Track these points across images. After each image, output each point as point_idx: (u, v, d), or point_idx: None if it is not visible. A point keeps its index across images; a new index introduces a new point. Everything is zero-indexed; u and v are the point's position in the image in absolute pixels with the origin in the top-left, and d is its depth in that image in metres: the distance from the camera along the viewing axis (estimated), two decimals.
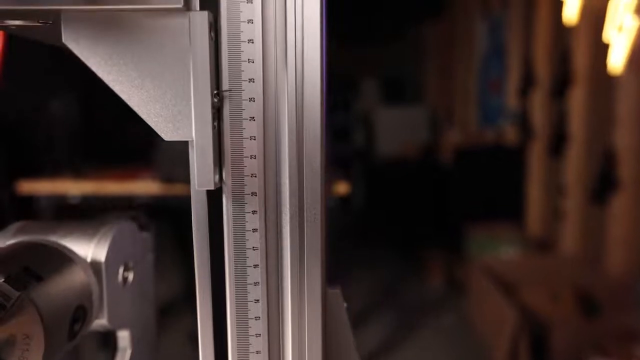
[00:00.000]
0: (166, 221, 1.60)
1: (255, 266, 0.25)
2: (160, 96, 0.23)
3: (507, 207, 2.25)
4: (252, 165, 0.24)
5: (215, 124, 0.24)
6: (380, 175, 2.97)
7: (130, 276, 0.35)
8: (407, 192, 2.69)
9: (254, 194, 0.24)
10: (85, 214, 1.81)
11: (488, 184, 2.28)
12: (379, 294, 2.25)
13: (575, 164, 1.89)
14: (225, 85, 0.24)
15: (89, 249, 0.31)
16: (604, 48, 1.67)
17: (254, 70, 0.24)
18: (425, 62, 3.91)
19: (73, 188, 1.62)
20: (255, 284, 0.25)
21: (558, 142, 1.98)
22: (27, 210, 1.59)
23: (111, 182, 1.64)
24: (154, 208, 1.62)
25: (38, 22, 0.24)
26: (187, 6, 0.23)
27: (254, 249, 0.25)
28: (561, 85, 1.97)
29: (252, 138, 0.24)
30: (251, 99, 0.24)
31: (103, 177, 1.67)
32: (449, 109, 3.40)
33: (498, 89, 2.63)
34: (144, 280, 0.38)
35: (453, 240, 2.30)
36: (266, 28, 0.24)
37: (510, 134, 2.44)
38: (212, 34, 0.23)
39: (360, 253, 2.62)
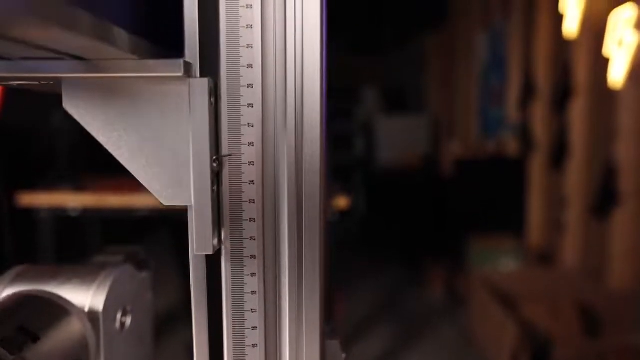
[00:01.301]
0: (167, 234, 1.60)
1: (254, 328, 0.25)
2: (159, 162, 0.23)
3: (508, 218, 2.24)
4: (251, 228, 0.24)
5: (215, 188, 0.24)
6: (381, 185, 2.97)
7: (128, 320, 0.35)
8: (407, 203, 2.68)
9: (253, 256, 0.24)
10: (85, 228, 1.81)
11: (489, 195, 2.27)
12: (379, 304, 2.25)
13: (576, 177, 1.89)
14: (225, 150, 0.24)
15: (87, 298, 0.31)
16: (605, 61, 1.67)
17: (254, 134, 0.24)
18: (426, 72, 3.92)
19: (73, 200, 1.62)
20: (254, 345, 0.25)
21: (559, 154, 1.98)
22: (27, 223, 1.59)
23: (112, 194, 1.64)
24: (154, 221, 1.62)
25: (39, 83, 0.24)
26: (188, 73, 0.23)
27: (252, 311, 0.25)
28: (562, 97, 1.98)
29: (252, 201, 0.24)
30: (251, 163, 0.24)
31: (104, 189, 1.67)
32: (450, 119, 3.40)
33: (499, 99, 2.63)
34: (142, 322, 0.38)
35: (453, 251, 2.29)
36: (266, 93, 0.24)
37: (511, 145, 2.44)
38: (212, 100, 0.23)
39: (361, 263, 2.61)
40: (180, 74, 0.22)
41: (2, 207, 1.68)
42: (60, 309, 0.30)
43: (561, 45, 1.98)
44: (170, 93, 0.23)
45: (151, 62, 0.22)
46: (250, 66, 0.23)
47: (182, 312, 1.72)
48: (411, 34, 3.75)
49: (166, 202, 0.23)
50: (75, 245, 1.75)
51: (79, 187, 1.66)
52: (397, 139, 3.45)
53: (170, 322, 1.72)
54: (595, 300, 1.63)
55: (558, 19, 1.96)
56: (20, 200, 1.60)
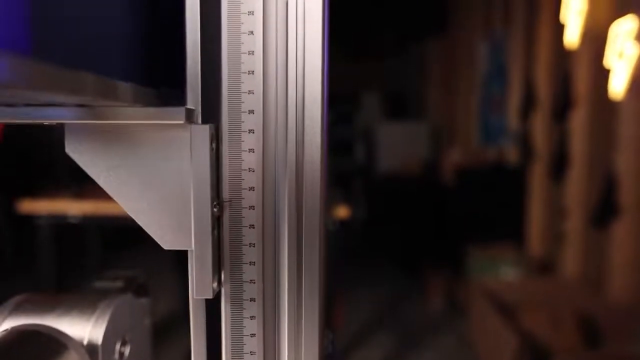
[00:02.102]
0: None
1: None
2: (160, 206, 0.23)
3: (508, 227, 2.24)
4: (251, 272, 0.24)
5: (215, 232, 0.24)
6: (381, 192, 2.97)
7: (127, 350, 0.35)
8: (407, 210, 2.68)
9: (252, 299, 0.24)
10: (85, 235, 1.80)
11: (489, 204, 2.27)
12: (378, 313, 2.24)
13: (576, 187, 1.89)
14: (225, 193, 0.24)
15: (86, 330, 0.31)
16: (605, 72, 1.68)
17: (255, 178, 0.24)
18: (427, 78, 3.92)
19: (73, 208, 1.62)
20: None
21: (559, 165, 1.98)
22: (27, 230, 1.59)
23: (112, 201, 1.64)
24: None
25: (43, 124, 0.24)
26: (189, 120, 0.23)
27: (251, 353, 0.25)
28: (562, 107, 1.98)
29: (252, 245, 0.24)
30: (251, 207, 0.24)
31: (104, 196, 1.68)
32: (450, 126, 3.40)
33: (499, 107, 2.63)
34: (140, 349, 0.37)
35: (453, 259, 2.29)
36: (267, 138, 0.24)
37: (511, 153, 2.44)
38: (213, 145, 0.23)
39: (360, 270, 2.61)
40: (182, 122, 0.22)
41: (2, 214, 1.68)
42: (58, 344, 0.30)
43: (562, 55, 1.99)
44: (172, 139, 0.23)
45: (153, 110, 0.22)
46: (251, 112, 0.23)
47: (182, 320, 1.72)
48: (412, 40, 3.76)
49: (166, 247, 0.24)
50: (75, 252, 1.75)
51: (79, 194, 1.67)
52: (397, 146, 3.45)
53: (170, 331, 1.72)
54: (595, 311, 1.62)
55: (559, 29, 1.96)
56: (20, 207, 1.60)
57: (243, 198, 0.24)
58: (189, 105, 0.23)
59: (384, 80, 4.01)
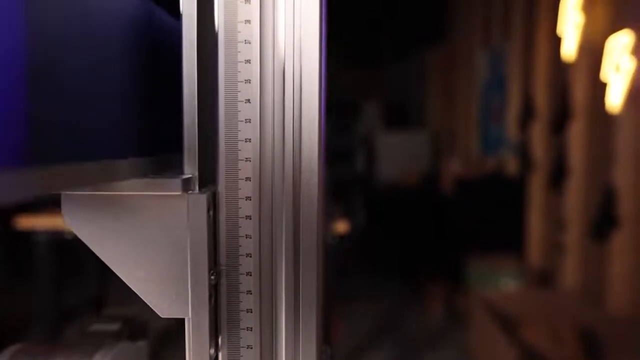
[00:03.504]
0: None
1: None
2: (157, 275, 0.23)
3: (508, 238, 2.24)
4: (248, 337, 0.24)
5: (212, 300, 0.24)
6: (381, 202, 2.97)
7: None
8: (407, 220, 2.68)
9: None
10: (81, 252, 1.80)
11: (488, 214, 2.27)
12: (378, 324, 2.23)
13: (575, 199, 1.89)
14: (222, 261, 0.24)
15: None
16: (602, 85, 1.68)
17: (252, 245, 0.24)
18: (427, 88, 3.93)
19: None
20: None
21: (558, 176, 1.99)
22: (23, 246, 1.59)
23: None
24: None
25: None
26: (186, 189, 0.23)
27: None
28: (560, 119, 1.98)
29: (249, 311, 0.24)
30: (248, 274, 0.24)
31: None
32: (450, 135, 3.41)
33: (499, 117, 2.64)
34: None
35: (453, 270, 2.28)
36: (264, 205, 0.24)
37: (511, 164, 2.45)
38: (211, 212, 0.23)
39: (359, 282, 2.60)
40: (178, 193, 0.22)
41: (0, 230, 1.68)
42: None
43: (560, 67, 1.99)
44: (169, 207, 0.23)
45: (150, 181, 0.22)
46: (248, 179, 0.23)
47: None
48: (412, 49, 3.78)
49: (163, 315, 0.23)
50: (71, 269, 1.74)
51: None
52: (397, 155, 3.45)
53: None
54: (595, 323, 1.62)
55: (557, 41, 1.97)
56: (17, 223, 1.60)
57: (240, 264, 0.24)
58: (187, 170, 0.23)
59: (383, 90, 4.02)
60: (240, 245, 0.24)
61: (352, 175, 3.52)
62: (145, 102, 0.23)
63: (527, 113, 2.22)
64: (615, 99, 1.64)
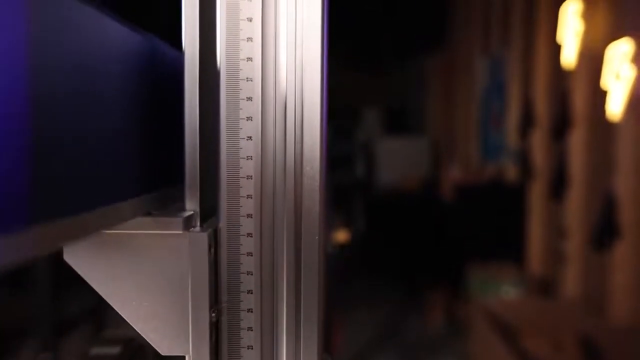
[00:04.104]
0: None
1: None
2: (158, 313, 0.23)
3: (508, 246, 2.24)
4: None
5: (213, 337, 0.24)
6: (381, 208, 2.97)
7: None
8: (407, 227, 2.67)
9: None
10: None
11: (489, 222, 2.27)
12: (378, 332, 2.23)
13: (575, 207, 1.89)
14: (223, 298, 0.24)
15: None
16: (603, 92, 1.68)
17: (253, 281, 0.24)
18: (428, 93, 3.94)
19: None
20: None
21: (558, 184, 1.98)
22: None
23: None
24: None
25: None
26: (187, 227, 0.23)
27: None
28: (560, 127, 1.98)
29: (250, 347, 0.24)
30: (249, 310, 0.24)
31: None
32: (450, 141, 3.41)
33: (499, 123, 2.64)
34: None
35: (454, 278, 2.28)
36: (265, 241, 0.24)
37: (511, 171, 2.44)
38: (212, 251, 0.23)
39: (360, 289, 2.59)
40: (179, 232, 0.22)
41: None
42: None
43: (560, 74, 2.00)
44: (170, 245, 0.23)
45: (152, 220, 0.22)
46: (249, 216, 0.23)
47: None
48: (412, 55, 3.78)
49: (164, 352, 0.23)
50: (72, 289, 1.73)
51: None
52: (397, 161, 3.45)
53: None
54: (596, 333, 1.61)
55: (556, 49, 1.98)
56: None
57: (241, 301, 0.24)
58: (188, 206, 0.23)
59: (384, 95, 4.03)
60: (242, 282, 0.24)
61: (351, 182, 3.52)
62: (147, 139, 0.23)
63: (527, 120, 2.22)
64: (615, 107, 1.64)
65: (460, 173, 2.84)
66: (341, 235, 1.56)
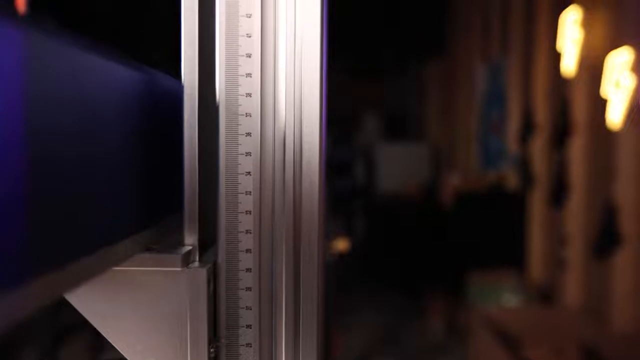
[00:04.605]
0: None
1: None
2: (156, 349, 0.23)
3: (509, 253, 2.23)
4: None
5: None
6: (381, 215, 2.96)
7: None
8: (407, 234, 2.67)
9: None
10: None
11: (489, 229, 2.27)
12: (378, 339, 2.22)
13: (576, 215, 1.88)
14: (222, 333, 0.24)
15: None
16: (603, 101, 1.68)
17: (252, 316, 0.24)
18: (427, 100, 3.94)
19: None
20: None
21: (559, 192, 1.98)
22: None
23: None
24: None
25: None
26: (186, 263, 0.23)
27: None
28: (561, 135, 1.98)
29: None
30: (248, 345, 0.24)
31: None
32: (450, 148, 3.41)
33: (499, 131, 2.64)
34: None
35: (454, 285, 2.27)
36: (263, 277, 0.24)
37: (511, 178, 2.44)
38: (211, 287, 0.23)
39: (359, 297, 2.58)
40: (178, 269, 0.22)
41: None
42: None
43: (560, 82, 2.00)
44: (169, 281, 0.23)
45: (150, 256, 0.22)
46: (248, 251, 0.23)
47: None
48: (412, 62, 3.79)
49: None
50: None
51: None
52: (397, 167, 3.45)
53: None
54: (598, 341, 1.61)
55: (556, 56, 1.98)
56: None
57: (240, 335, 0.24)
58: (187, 240, 0.23)
59: (383, 102, 4.04)
60: (241, 317, 0.24)
61: (350, 189, 3.51)
62: (147, 173, 0.23)
63: (527, 127, 2.23)
64: (615, 116, 1.64)
65: (460, 180, 2.83)
66: (341, 244, 1.56)
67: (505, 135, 2.54)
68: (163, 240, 0.24)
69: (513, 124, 2.43)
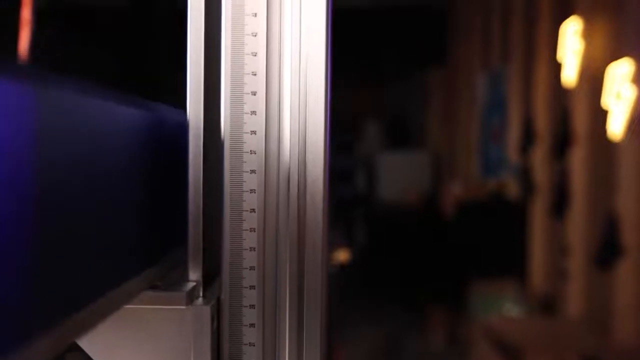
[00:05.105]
0: None
1: None
2: None
3: (510, 263, 2.23)
4: None
5: None
6: (382, 224, 2.96)
7: None
8: (408, 244, 2.67)
9: None
10: None
11: (490, 239, 2.26)
12: (380, 350, 2.21)
13: (577, 225, 1.88)
14: None
15: None
16: (604, 111, 1.69)
17: (255, 353, 0.24)
18: (429, 108, 3.95)
19: None
20: None
21: (560, 202, 1.98)
22: None
23: None
24: None
25: None
26: (190, 300, 0.23)
27: None
28: (561, 145, 1.99)
29: None
30: None
31: None
32: (451, 156, 3.41)
33: (500, 139, 2.65)
34: None
35: (455, 296, 2.26)
36: (267, 313, 0.24)
37: (512, 187, 2.44)
38: (215, 324, 0.23)
39: (360, 307, 2.58)
40: (182, 307, 0.22)
41: None
42: None
43: (560, 92, 2.00)
44: (173, 319, 0.23)
45: (154, 295, 0.22)
46: (252, 287, 0.24)
47: None
48: (413, 70, 3.80)
49: None
50: None
51: None
52: (398, 176, 3.45)
53: None
54: (599, 353, 1.60)
55: (557, 66, 1.98)
56: None
57: None
58: (191, 276, 0.24)
59: (385, 110, 4.05)
60: (244, 354, 0.24)
61: (351, 197, 3.51)
62: (151, 211, 0.23)
63: (528, 137, 2.23)
64: (616, 127, 1.64)
65: (461, 189, 2.83)
66: (342, 255, 1.56)
67: (506, 144, 2.54)
68: (167, 276, 0.24)
69: (513, 133, 2.43)
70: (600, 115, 1.70)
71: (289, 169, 0.24)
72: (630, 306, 1.60)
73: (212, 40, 0.24)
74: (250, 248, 0.23)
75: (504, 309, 2.12)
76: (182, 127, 0.24)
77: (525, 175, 2.26)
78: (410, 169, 3.49)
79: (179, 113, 0.27)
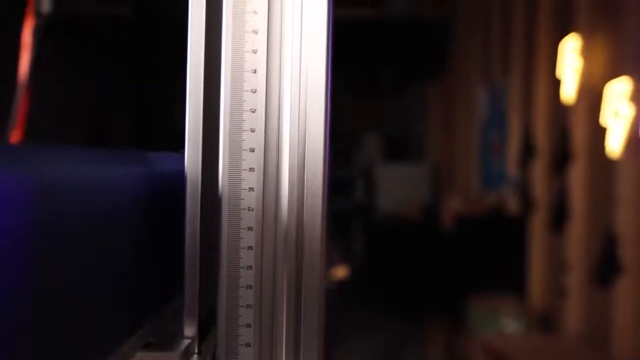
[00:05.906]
0: None
1: None
2: None
3: (509, 278, 2.22)
4: None
5: None
6: (380, 237, 2.96)
7: None
8: (406, 257, 2.66)
9: None
10: None
11: (489, 253, 2.26)
12: None
13: (576, 241, 1.88)
14: None
15: None
16: (602, 128, 1.69)
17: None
18: (428, 121, 3.96)
19: None
20: None
21: (559, 217, 1.98)
22: None
23: None
24: None
25: None
26: (186, 358, 0.23)
27: None
28: (561, 160, 1.99)
29: None
30: None
31: None
32: (450, 169, 3.42)
33: (499, 153, 2.65)
34: None
35: (453, 310, 2.25)
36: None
37: (511, 202, 2.44)
38: None
39: (358, 320, 2.56)
40: None
41: None
42: None
43: (559, 108, 2.01)
44: None
45: (150, 355, 0.22)
46: (248, 345, 0.23)
47: None
48: (412, 82, 3.82)
49: None
50: None
51: None
52: (396, 188, 3.45)
53: None
54: None
55: (556, 83, 1.99)
56: None
57: None
58: (186, 332, 0.23)
59: (384, 122, 4.06)
60: (240, 354, 0.23)
61: (350, 208, 3.51)
62: (147, 270, 0.23)
63: (527, 152, 2.23)
64: (615, 144, 1.65)
65: (460, 204, 2.83)
66: (340, 271, 1.55)
67: (505, 158, 2.54)
68: (162, 331, 0.24)
69: (513, 147, 2.44)
70: (599, 132, 1.70)
71: (289, 182, 0.24)
72: (629, 323, 1.59)
73: (213, 40, 0.24)
74: (247, 305, 0.23)
75: (502, 325, 2.11)
76: (178, 174, 0.24)
77: (524, 190, 2.26)
78: (410, 181, 3.49)
79: (177, 159, 0.27)
